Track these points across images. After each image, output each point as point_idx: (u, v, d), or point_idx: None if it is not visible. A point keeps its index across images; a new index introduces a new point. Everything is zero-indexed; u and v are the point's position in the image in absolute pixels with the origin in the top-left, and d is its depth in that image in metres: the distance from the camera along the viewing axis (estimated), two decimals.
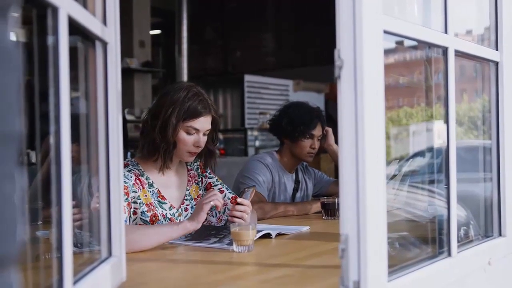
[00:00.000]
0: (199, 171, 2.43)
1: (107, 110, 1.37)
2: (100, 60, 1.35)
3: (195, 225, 1.98)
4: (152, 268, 1.73)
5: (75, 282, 1.07)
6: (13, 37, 0.60)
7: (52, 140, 1.01)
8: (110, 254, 1.37)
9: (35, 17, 1.04)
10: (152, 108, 2.26)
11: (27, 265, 1.08)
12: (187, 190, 2.36)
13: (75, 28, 1.10)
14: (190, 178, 2.39)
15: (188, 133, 2.21)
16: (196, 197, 2.37)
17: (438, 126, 1.85)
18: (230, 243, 1.92)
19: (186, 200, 2.35)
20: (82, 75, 1.33)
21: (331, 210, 2.66)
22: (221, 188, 2.40)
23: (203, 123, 2.22)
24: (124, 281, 1.43)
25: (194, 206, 2.32)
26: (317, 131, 3.03)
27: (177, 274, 1.68)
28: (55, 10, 1.00)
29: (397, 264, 1.35)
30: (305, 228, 2.36)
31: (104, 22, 1.35)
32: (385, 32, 1.26)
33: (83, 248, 1.42)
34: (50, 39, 1.01)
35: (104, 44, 1.35)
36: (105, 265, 1.31)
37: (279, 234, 2.20)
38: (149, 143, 2.21)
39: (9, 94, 0.54)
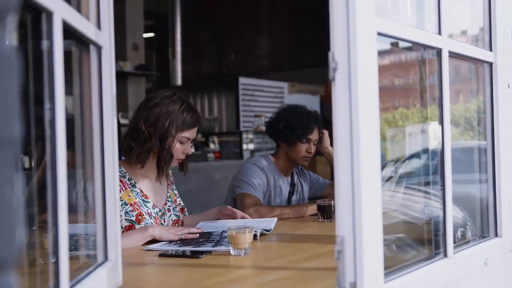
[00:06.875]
0: (172, 179, 2.54)
1: (101, 114, 1.37)
2: (94, 64, 1.35)
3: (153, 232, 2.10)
4: (148, 272, 1.72)
5: (71, 287, 1.07)
6: (11, 42, 0.60)
7: (47, 144, 1.00)
8: (106, 258, 1.37)
9: (29, 21, 1.03)
10: (145, 116, 2.27)
11: (23, 270, 1.08)
12: (168, 192, 2.46)
13: (68, 32, 1.10)
14: (169, 182, 2.50)
15: (181, 142, 2.31)
16: (173, 200, 2.48)
17: (434, 127, 1.86)
18: (229, 245, 1.91)
19: (168, 201, 2.44)
20: (76, 79, 1.33)
21: (327, 213, 2.65)
22: (180, 202, 2.55)
23: (195, 133, 2.36)
24: (120, 285, 1.42)
25: (175, 209, 2.45)
26: (314, 136, 3.02)
27: (173, 278, 1.68)
28: (49, 14, 1.00)
29: (393, 265, 1.35)
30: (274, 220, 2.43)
31: (98, 26, 1.35)
32: (379, 34, 1.26)
33: (77, 252, 1.41)
34: (44, 43, 1.01)
35: (99, 48, 1.35)
36: (101, 269, 1.30)
37: (263, 234, 2.22)
38: (146, 151, 2.27)
39: (10, 99, 0.55)
